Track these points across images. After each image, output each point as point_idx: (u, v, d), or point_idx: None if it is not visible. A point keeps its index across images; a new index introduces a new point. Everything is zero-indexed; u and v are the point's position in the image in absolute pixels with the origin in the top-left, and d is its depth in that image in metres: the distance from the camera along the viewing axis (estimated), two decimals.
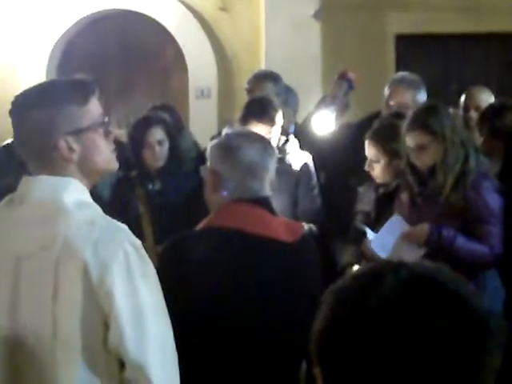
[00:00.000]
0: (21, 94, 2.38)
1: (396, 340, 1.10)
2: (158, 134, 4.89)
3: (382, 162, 4.21)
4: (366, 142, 4.25)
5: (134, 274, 2.20)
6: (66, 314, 2.18)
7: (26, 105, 2.30)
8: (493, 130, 4.55)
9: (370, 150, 4.23)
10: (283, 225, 2.96)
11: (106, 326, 2.21)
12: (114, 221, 2.29)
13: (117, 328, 2.18)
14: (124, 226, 2.28)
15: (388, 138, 4.16)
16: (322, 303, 1.21)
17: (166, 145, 4.89)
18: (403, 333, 1.10)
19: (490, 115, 4.68)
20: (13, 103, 2.34)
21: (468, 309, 1.14)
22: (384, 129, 4.25)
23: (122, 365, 2.25)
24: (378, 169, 4.24)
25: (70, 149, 2.29)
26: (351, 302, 1.16)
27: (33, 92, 2.35)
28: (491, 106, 4.91)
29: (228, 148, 2.91)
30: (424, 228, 3.92)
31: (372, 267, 1.22)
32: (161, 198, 4.80)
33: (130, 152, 4.99)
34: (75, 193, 2.28)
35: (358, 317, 1.13)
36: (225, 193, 2.87)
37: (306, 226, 4.37)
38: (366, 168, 4.27)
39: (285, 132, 4.77)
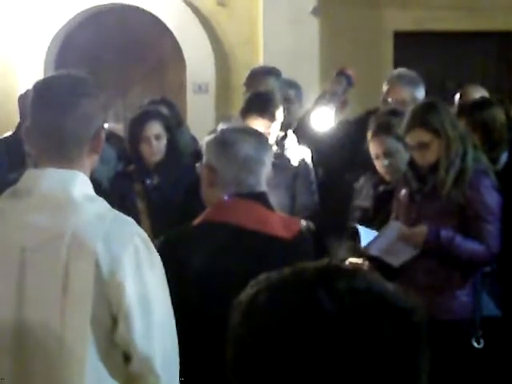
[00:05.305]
0: (53, 80, 2.38)
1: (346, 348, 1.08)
2: (155, 128, 4.85)
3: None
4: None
5: (143, 266, 2.23)
6: (75, 306, 2.19)
7: (76, 92, 2.30)
8: (471, 123, 4.42)
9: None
10: (280, 220, 2.96)
11: (113, 319, 2.22)
12: (121, 214, 2.31)
13: (126, 318, 2.20)
14: (131, 219, 2.30)
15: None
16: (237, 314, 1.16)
17: (164, 139, 4.87)
18: (354, 341, 1.08)
19: (469, 108, 4.60)
20: (46, 88, 2.33)
21: (396, 306, 1.13)
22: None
23: (126, 359, 2.26)
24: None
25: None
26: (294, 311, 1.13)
27: (76, 81, 2.34)
28: (473, 101, 4.86)
29: (223, 143, 2.90)
30: (422, 230, 3.88)
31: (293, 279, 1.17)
32: (158, 193, 4.78)
33: (128, 146, 4.98)
34: (82, 186, 2.29)
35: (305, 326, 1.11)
36: None
37: (303, 222, 4.39)
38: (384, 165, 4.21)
39: (286, 127, 4.76)
